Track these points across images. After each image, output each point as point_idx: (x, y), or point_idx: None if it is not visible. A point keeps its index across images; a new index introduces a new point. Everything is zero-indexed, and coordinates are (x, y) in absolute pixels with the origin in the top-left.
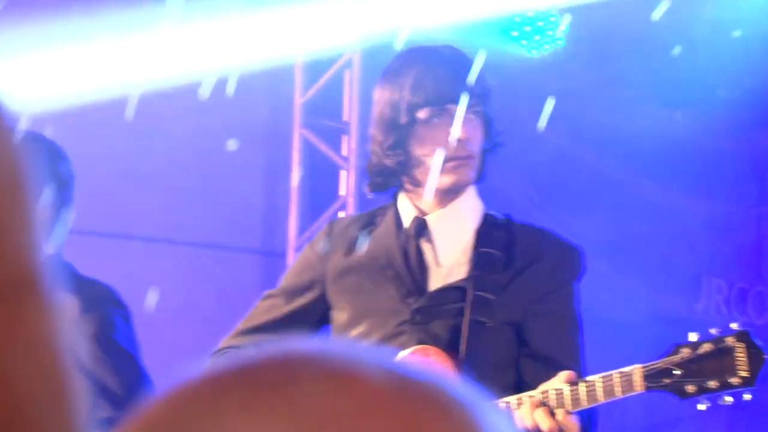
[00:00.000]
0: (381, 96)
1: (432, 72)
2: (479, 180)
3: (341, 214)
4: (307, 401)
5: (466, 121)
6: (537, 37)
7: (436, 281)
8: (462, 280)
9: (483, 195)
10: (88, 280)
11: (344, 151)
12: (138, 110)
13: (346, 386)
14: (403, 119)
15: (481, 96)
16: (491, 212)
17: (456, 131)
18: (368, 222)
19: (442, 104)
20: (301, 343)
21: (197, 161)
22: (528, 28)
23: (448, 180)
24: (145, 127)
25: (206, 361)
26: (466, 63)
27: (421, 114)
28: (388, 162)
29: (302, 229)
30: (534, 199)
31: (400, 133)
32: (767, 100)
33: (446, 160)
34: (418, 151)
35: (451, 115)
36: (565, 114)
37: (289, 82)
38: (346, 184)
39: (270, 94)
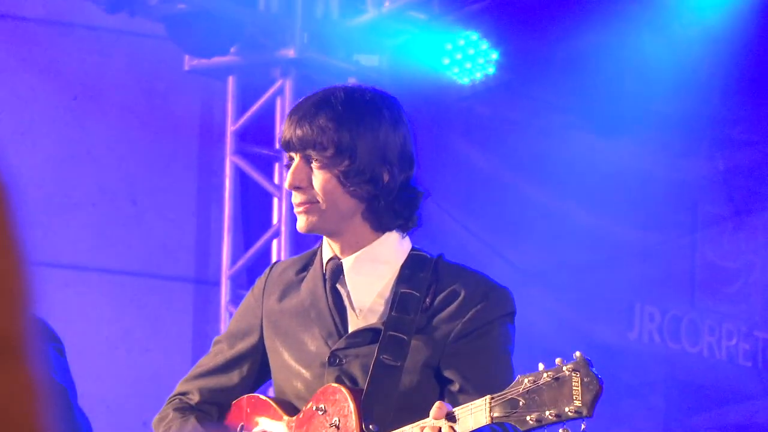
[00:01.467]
0: None
1: (289, 117)
2: (382, 225)
3: (275, 242)
4: None
5: (299, 170)
6: (468, 65)
7: (354, 323)
8: (379, 322)
9: (419, 224)
10: None
11: (277, 179)
12: (67, 137)
13: None
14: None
15: (323, 145)
16: (421, 252)
17: (288, 179)
18: (305, 265)
19: (287, 150)
20: None
21: (128, 188)
22: (459, 56)
23: (298, 225)
24: (75, 154)
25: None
26: (326, 109)
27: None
28: None
29: (235, 257)
30: (469, 227)
31: None
32: (699, 128)
33: (293, 206)
34: None
35: (292, 162)
36: (497, 141)
37: (221, 109)
38: (279, 212)
39: (201, 122)
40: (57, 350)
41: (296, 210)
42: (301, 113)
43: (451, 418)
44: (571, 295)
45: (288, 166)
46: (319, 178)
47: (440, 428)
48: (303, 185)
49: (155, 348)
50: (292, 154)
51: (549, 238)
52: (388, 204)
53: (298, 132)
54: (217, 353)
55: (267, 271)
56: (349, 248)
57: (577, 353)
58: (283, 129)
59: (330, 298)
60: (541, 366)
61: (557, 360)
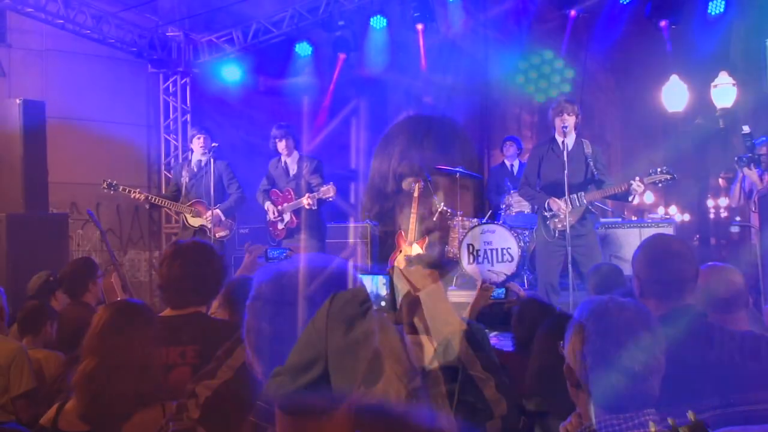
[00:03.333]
0: (374, 164)
1: (419, 142)
2: None
3: (351, 262)
4: None
5: (452, 193)
6: (543, 83)
7: (431, 358)
8: (455, 359)
9: None
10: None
11: (352, 198)
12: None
13: None
14: (390, 188)
15: (469, 168)
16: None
17: (439, 203)
18: (367, 297)
19: (425, 174)
20: None
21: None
22: (534, 75)
23: (434, 252)
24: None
25: None
26: (454, 135)
27: (406, 184)
28: (379, 232)
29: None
30: None
31: (387, 203)
32: None
33: (430, 231)
34: (403, 221)
35: (434, 187)
36: None
37: (296, 129)
38: (354, 231)
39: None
40: None
41: (436, 235)
42: (441, 138)
43: None
44: None
45: (422, 188)
46: (468, 205)
47: None
48: (452, 209)
49: None
50: (435, 177)
51: None
52: None
53: (447, 157)
54: (279, 387)
55: (327, 303)
56: (430, 278)
57: (691, 414)
58: (421, 150)
59: (404, 335)
60: (653, 426)
61: (670, 420)
